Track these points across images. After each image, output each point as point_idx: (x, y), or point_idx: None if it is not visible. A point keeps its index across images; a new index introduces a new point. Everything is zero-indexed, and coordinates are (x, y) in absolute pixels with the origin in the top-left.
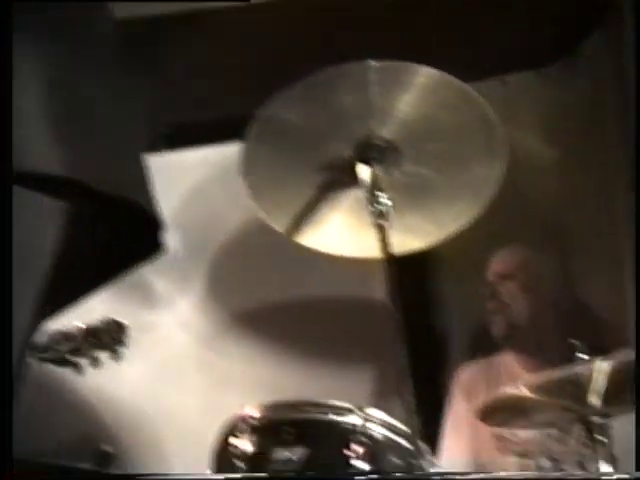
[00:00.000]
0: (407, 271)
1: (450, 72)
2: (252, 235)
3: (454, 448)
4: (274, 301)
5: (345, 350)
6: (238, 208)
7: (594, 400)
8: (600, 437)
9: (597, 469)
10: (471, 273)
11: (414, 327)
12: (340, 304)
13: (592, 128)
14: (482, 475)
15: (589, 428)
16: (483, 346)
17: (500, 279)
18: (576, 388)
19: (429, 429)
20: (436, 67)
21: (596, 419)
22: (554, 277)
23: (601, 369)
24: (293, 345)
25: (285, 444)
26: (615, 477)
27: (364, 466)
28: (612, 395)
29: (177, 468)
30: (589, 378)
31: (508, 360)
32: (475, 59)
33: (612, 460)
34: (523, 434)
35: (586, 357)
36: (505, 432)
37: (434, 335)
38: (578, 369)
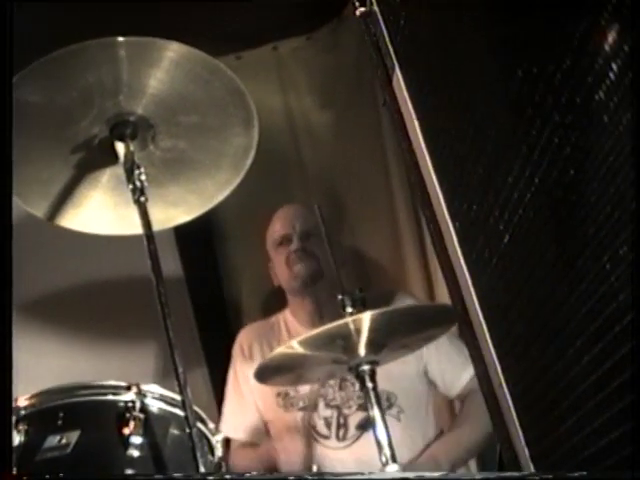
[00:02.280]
0: (196, 246)
1: (221, 43)
2: (25, 222)
3: (235, 412)
4: (56, 288)
5: (135, 329)
6: None
7: (362, 350)
8: (369, 383)
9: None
10: (260, 238)
11: (205, 300)
12: (127, 283)
13: (361, 88)
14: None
15: (359, 376)
16: (266, 310)
17: (306, 236)
18: (345, 340)
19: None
20: (207, 39)
21: (365, 367)
22: (339, 233)
23: (366, 320)
24: (80, 331)
25: (58, 430)
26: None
27: (140, 440)
28: (378, 343)
29: None
30: (357, 331)
31: (285, 318)
32: (247, 28)
33: (379, 404)
34: (304, 388)
35: (353, 310)
36: (287, 388)
37: (224, 306)
38: (345, 322)
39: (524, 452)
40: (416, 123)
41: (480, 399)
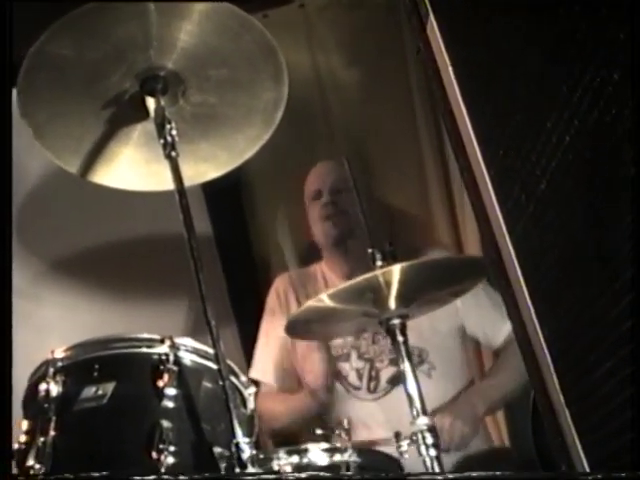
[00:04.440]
0: (226, 205)
1: (248, 1)
2: (57, 180)
3: (266, 356)
4: (87, 245)
5: (167, 286)
6: (39, 153)
7: (392, 303)
8: (400, 336)
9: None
10: (288, 195)
11: (233, 257)
12: (158, 239)
13: (389, 45)
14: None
15: (390, 330)
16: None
17: (337, 191)
18: (375, 293)
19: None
20: None
21: (395, 321)
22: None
23: (396, 272)
24: (112, 287)
25: (94, 381)
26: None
27: (174, 392)
28: (408, 296)
29: None
30: (387, 284)
31: (322, 269)
32: None
33: (410, 358)
34: (338, 339)
35: (383, 263)
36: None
37: (253, 263)
38: (375, 275)
39: (559, 398)
40: (450, 70)
41: (516, 349)
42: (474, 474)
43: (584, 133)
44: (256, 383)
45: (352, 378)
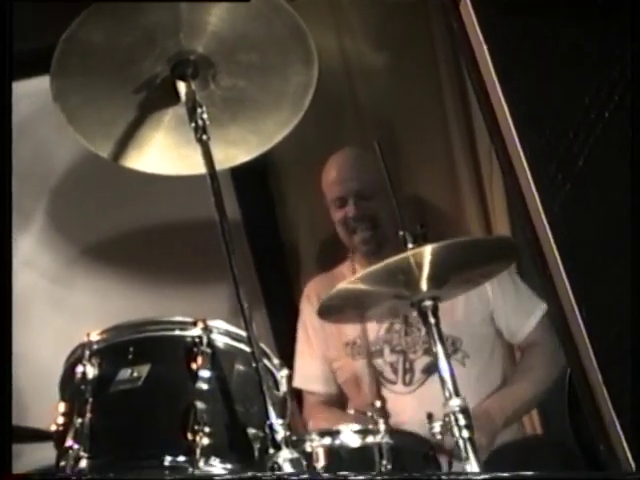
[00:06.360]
0: (254, 191)
1: None
2: (87, 166)
3: (306, 364)
4: (118, 230)
5: (197, 271)
6: (68, 140)
7: (424, 285)
8: (431, 318)
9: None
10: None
11: (262, 243)
12: (187, 225)
13: (416, 28)
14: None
15: (422, 312)
16: (329, 258)
17: (361, 197)
18: (406, 275)
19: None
20: None
21: (427, 303)
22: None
23: (427, 254)
24: (143, 272)
25: (129, 364)
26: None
27: (208, 374)
28: (439, 277)
29: (33, 412)
30: (418, 265)
31: (350, 266)
32: None
33: (442, 340)
34: (370, 336)
35: (414, 245)
36: (354, 337)
37: (282, 249)
38: (406, 257)
39: (597, 377)
40: (485, 48)
41: (540, 352)
42: (518, 474)
43: (624, 108)
44: (299, 393)
45: (387, 373)
